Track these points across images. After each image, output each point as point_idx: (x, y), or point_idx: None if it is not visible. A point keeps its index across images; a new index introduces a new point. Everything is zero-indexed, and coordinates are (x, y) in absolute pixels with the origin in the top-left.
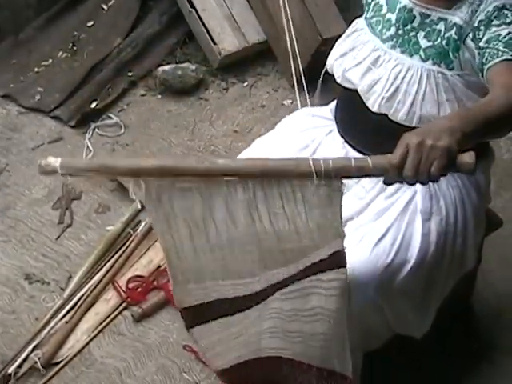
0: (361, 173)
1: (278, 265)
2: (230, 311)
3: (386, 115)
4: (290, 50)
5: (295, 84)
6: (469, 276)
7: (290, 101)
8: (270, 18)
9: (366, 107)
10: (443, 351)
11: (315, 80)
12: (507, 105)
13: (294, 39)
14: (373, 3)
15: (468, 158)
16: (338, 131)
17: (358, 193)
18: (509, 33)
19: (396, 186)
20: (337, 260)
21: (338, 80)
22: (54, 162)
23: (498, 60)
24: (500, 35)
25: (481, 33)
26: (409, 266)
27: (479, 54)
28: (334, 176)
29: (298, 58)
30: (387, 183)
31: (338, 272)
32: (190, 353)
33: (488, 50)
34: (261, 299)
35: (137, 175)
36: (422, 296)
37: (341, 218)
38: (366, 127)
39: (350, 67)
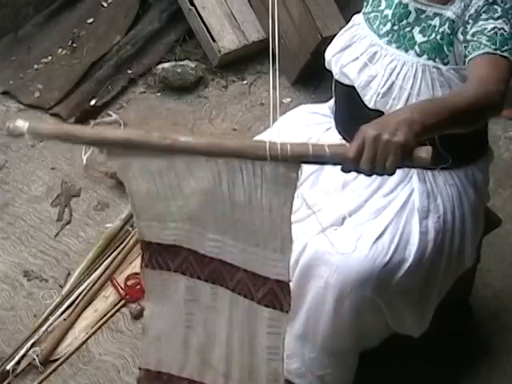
0: (318, 160)
1: (229, 233)
2: (186, 270)
3: (383, 112)
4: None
5: None
6: (467, 275)
7: (290, 99)
8: (269, 16)
9: (364, 104)
10: (441, 351)
11: (315, 78)
12: (475, 98)
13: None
14: None
15: (424, 153)
16: (336, 128)
17: (355, 189)
18: (494, 27)
19: (393, 184)
20: (279, 297)
21: (336, 76)
22: (22, 125)
23: (479, 52)
24: (485, 29)
25: (469, 26)
26: (407, 264)
27: (465, 46)
28: (290, 161)
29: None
30: (345, 171)
31: (279, 315)
32: None
33: (471, 43)
34: (213, 279)
35: (101, 145)
36: (420, 295)
37: (291, 205)
38: (362, 123)
39: (347, 62)
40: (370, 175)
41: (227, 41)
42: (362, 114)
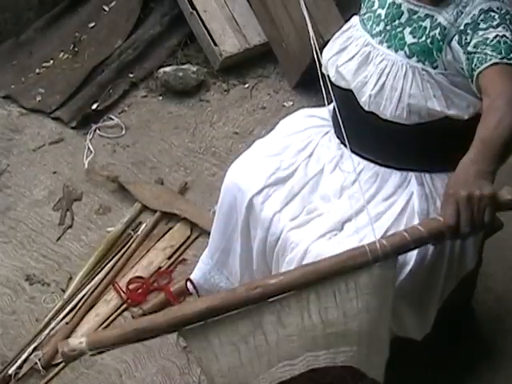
0: (417, 244)
1: (319, 348)
2: None
3: (377, 115)
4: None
5: None
6: (469, 278)
7: (291, 102)
8: (271, 20)
9: (360, 107)
10: (444, 354)
11: (316, 81)
12: None
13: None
14: (366, 0)
15: (507, 194)
16: (335, 132)
17: (354, 194)
18: (496, 36)
19: (393, 188)
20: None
21: (333, 79)
22: (79, 343)
23: (487, 65)
24: (487, 39)
25: (468, 37)
26: (408, 267)
27: (468, 58)
28: (391, 255)
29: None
30: (438, 244)
31: None
32: (189, 354)
33: (477, 55)
34: None
35: (179, 326)
36: (422, 298)
37: (390, 304)
38: (360, 127)
39: (342, 63)
40: (466, 238)
41: (228, 44)
42: (358, 117)
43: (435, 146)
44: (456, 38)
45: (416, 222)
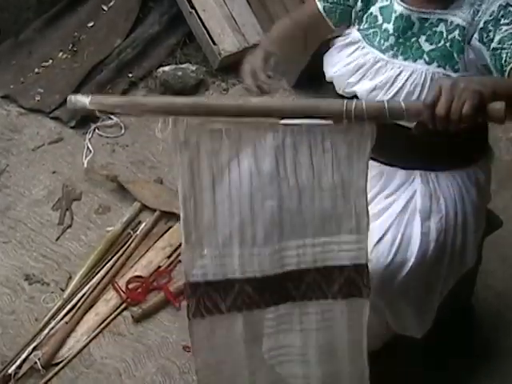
0: (393, 116)
1: (295, 235)
2: (242, 305)
3: None
4: None
5: None
6: (469, 276)
7: None
8: (270, 19)
9: None
10: (443, 351)
11: (315, 80)
12: None
13: None
14: (365, 15)
15: (499, 105)
16: None
17: None
18: None
19: (396, 185)
20: (357, 283)
21: (340, 92)
22: (84, 98)
23: None
24: None
25: (491, 33)
26: (409, 265)
27: (494, 55)
28: (366, 118)
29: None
30: (417, 131)
31: (360, 303)
32: (189, 353)
33: (505, 51)
34: (274, 300)
35: (167, 113)
36: (422, 295)
37: (366, 175)
38: None
39: (353, 82)
40: (444, 129)
41: (227, 43)
42: None
43: (441, 146)
44: (476, 36)
45: (417, 220)
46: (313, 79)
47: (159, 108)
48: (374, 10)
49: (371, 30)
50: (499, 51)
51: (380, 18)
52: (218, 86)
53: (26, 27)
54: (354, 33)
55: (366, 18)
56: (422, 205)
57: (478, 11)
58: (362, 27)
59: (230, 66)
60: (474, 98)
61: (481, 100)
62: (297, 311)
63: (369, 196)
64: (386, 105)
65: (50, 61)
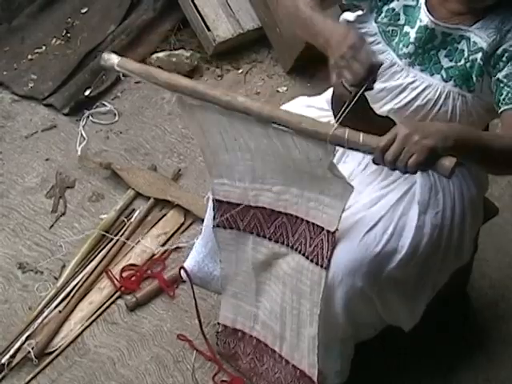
0: (350, 145)
1: (295, 182)
2: (254, 229)
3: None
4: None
5: None
6: (464, 265)
7: (285, 88)
8: (264, 4)
9: (370, 107)
10: (438, 340)
11: (310, 66)
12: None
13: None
14: (385, 8)
15: (448, 161)
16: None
17: (362, 181)
18: None
19: (396, 176)
20: (324, 251)
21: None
22: (115, 58)
23: None
24: None
25: (501, 64)
26: (399, 256)
27: (496, 85)
28: (328, 141)
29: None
30: (375, 162)
31: (320, 271)
32: (183, 342)
33: (506, 89)
34: (276, 237)
35: (172, 89)
36: (413, 288)
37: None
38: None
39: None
40: (392, 169)
41: (222, 29)
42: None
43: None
44: (491, 61)
45: (413, 211)
46: (308, 65)
47: (167, 84)
48: (396, 5)
49: (390, 28)
50: (502, 85)
51: (403, 18)
52: (212, 73)
53: (19, 13)
54: (371, 23)
55: (386, 12)
56: (421, 196)
57: (503, 38)
58: (380, 20)
59: (225, 52)
60: (421, 155)
61: (428, 157)
62: (287, 258)
63: (367, 181)
64: (346, 136)
65: (44, 47)
